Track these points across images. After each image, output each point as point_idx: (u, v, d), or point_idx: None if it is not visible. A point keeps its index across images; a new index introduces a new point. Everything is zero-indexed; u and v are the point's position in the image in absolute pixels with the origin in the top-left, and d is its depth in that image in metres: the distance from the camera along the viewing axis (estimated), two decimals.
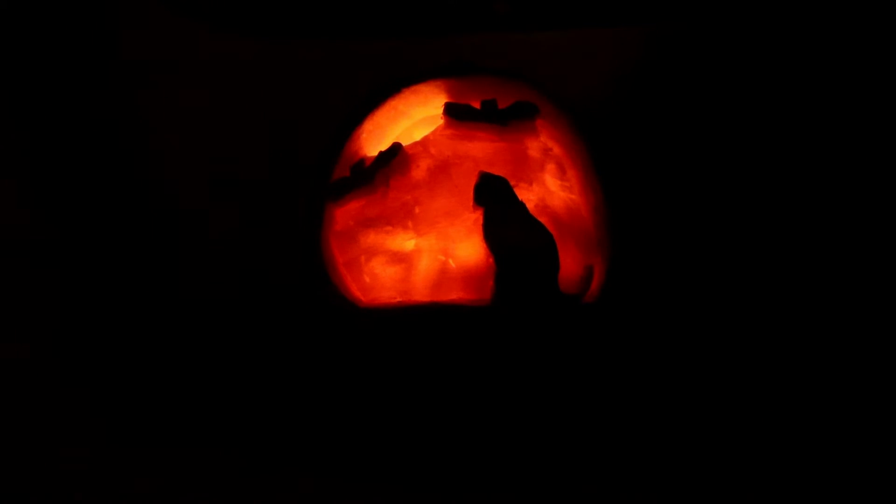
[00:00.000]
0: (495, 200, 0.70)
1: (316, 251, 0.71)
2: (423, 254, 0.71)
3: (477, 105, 0.74)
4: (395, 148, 0.73)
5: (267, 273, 0.91)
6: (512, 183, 0.71)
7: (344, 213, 0.73)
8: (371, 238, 0.72)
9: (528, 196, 0.73)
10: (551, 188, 0.74)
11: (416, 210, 0.72)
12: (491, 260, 0.68)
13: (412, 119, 0.77)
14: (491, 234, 0.69)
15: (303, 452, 0.69)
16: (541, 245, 0.69)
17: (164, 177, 0.93)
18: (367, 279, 0.72)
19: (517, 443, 0.69)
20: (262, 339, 0.88)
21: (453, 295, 0.70)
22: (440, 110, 0.74)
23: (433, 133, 0.74)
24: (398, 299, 0.70)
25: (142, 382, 0.82)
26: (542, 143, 0.75)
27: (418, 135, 0.75)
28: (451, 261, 0.71)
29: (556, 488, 0.63)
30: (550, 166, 0.75)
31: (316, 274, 0.71)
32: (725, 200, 0.88)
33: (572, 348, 0.70)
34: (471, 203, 0.70)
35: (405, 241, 0.72)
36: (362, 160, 0.74)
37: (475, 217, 0.70)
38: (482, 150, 0.74)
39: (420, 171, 0.73)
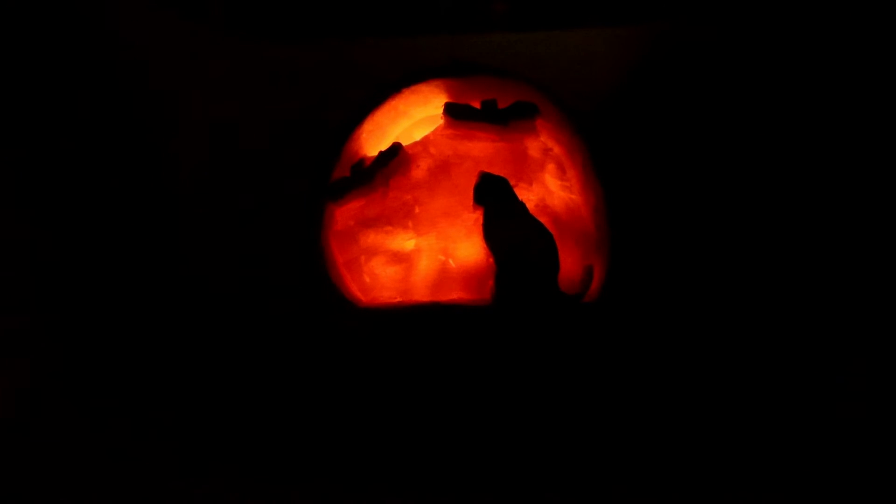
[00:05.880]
0: (495, 200, 0.70)
1: (316, 251, 0.71)
2: (423, 254, 0.71)
3: (477, 105, 0.74)
4: (395, 148, 0.73)
5: (267, 273, 0.91)
6: (512, 183, 0.71)
7: (344, 213, 0.73)
8: (371, 238, 0.72)
9: (528, 196, 0.73)
10: (551, 188, 0.74)
11: (416, 210, 0.72)
12: (491, 260, 0.68)
13: (412, 119, 0.77)
14: (491, 234, 0.69)
15: (302, 452, 0.69)
16: (541, 245, 0.69)
17: (165, 177, 0.94)
18: (367, 279, 0.72)
19: (518, 442, 0.69)
20: (263, 339, 0.88)
21: (453, 295, 0.70)
22: (440, 110, 0.74)
23: (433, 133, 0.74)
24: (398, 299, 0.70)
25: (142, 381, 0.82)
26: (542, 143, 0.75)
27: (418, 135, 0.75)
28: (451, 261, 0.71)
29: (556, 488, 0.63)
30: (550, 166, 0.75)
31: (316, 274, 0.71)
32: (725, 200, 0.88)
33: (572, 348, 0.70)
34: (471, 203, 0.70)
35: (405, 241, 0.72)
36: (362, 160, 0.74)
37: (475, 217, 0.70)
38: (482, 150, 0.74)
39: (420, 170, 0.73)
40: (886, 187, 0.83)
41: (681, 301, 0.86)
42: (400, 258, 0.72)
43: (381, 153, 0.73)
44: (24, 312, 0.86)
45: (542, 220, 0.71)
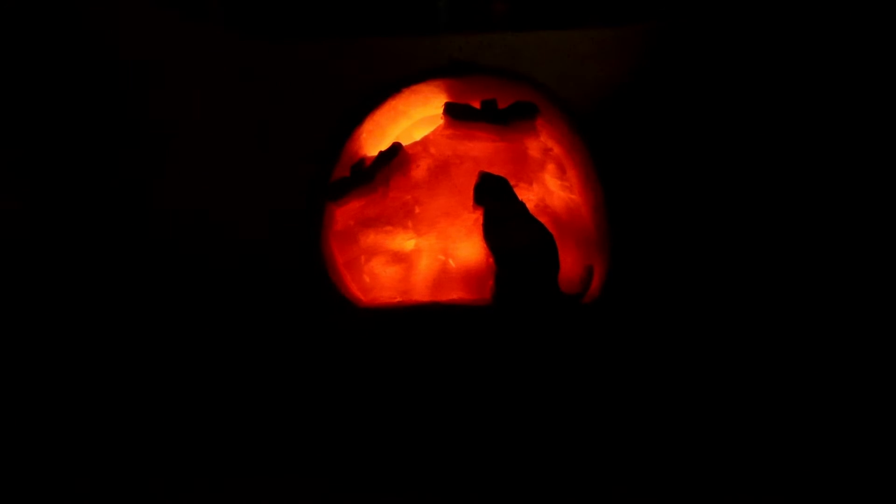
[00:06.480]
0: (495, 200, 0.70)
1: (316, 251, 0.71)
2: (423, 253, 0.71)
3: (477, 105, 0.74)
4: (395, 148, 0.73)
5: (267, 273, 0.91)
6: (512, 183, 0.71)
7: (344, 213, 0.73)
8: (371, 238, 0.72)
9: (528, 196, 0.73)
10: (551, 188, 0.74)
11: (416, 210, 0.72)
12: (491, 260, 0.68)
13: (412, 119, 0.77)
14: (491, 234, 0.69)
15: (302, 452, 0.69)
16: (541, 245, 0.69)
17: (164, 177, 0.93)
18: (367, 279, 0.72)
19: (517, 443, 0.69)
20: (262, 339, 0.88)
21: (453, 295, 0.70)
22: (440, 110, 0.74)
23: (433, 133, 0.74)
24: (398, 299, 0.70)
25: (141, 382, 0.82)
26: (542, 143, 0.75)
27: (418, 135, 0.75)
28: (451, 260, 0.71)
29: (555, 488, 0.63)
30: (550, 166, 0.75)
31: (316, 274, 0.71)
32: (725, 200, 0.88)
33: (572, 348, 0.70)
34: (471, 203, 0.70)
35: (405, 241, 0.72)
36: (362, 160, 0.74)
37: (475, 217, 0.70)
38: (482, 150, 0.74)
39: (420, 170, 0.73)
40: (887, 187, 0.83)
41: (681, 301, 0.86)
42: (400, 258, 0.72)
43: (381, 153, 0.73)
44: (24, 312, 0.86)
45: (542, 220, 0.71)
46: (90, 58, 0.91)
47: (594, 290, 0.70)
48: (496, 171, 0.71)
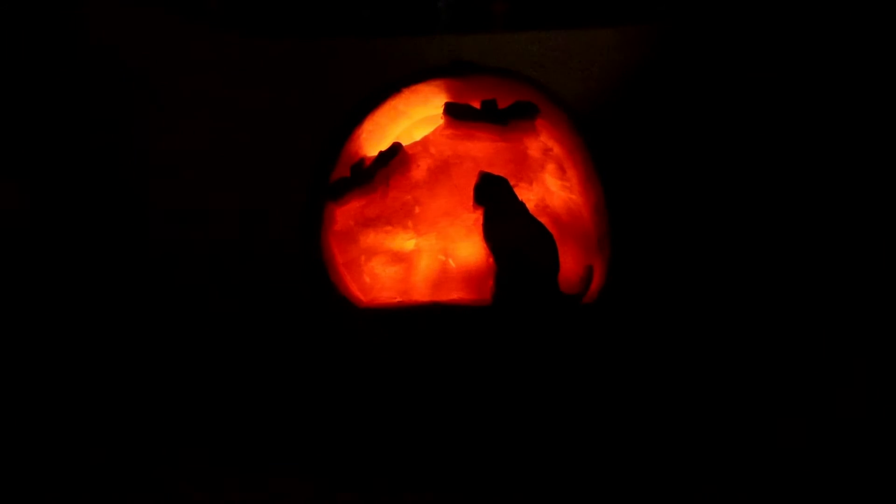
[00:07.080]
0: (495, 200, 0.70)
1: (316, 251, 0.71)
2: (423, 253, 0.71)
3: (477, 105, 0.74)
4: (395, 148, 0.73)
5: (267, 273, 0.91)
6: (512, 183, 0.71)
7: (344, 213, 0.73)
8: (371, 238, 0.72)
9: (528, 196, 0.73)
10: (551, 188, 0.74)
11: (416, 210, 0.72)
12: (491, 260, 0.68)
13: (412, 119, 0.77)
14: (491, 234, 0.69)
15: (303, 452, 0.69)
16: (541, 245, 0.69)
17: (164, 177, 0.94)
18: (367, 279, 0.72)
19: (517, 442, 0.69)
20: (262, 339, 0.88)
21: (453, 295, 0.70)
22: (440, 110, 0.74)
23: (433, 133, 0.74)
24: (398, 299, 0.70)
25: (141, 382, 0.82)
26: (542, 143, 0.75)
27: (418, 135, 0.75)
28: (451, 260, 0.71)
29: (555, 488, 0.63)
30: (550, 166, 0.75)
31: (316, 274, 0.71)
32: (725, 200, 0.88)
33: (572, 348, 0.70)
34: (471, 203, 0.70)
35: (405, 241, 0.72)
36: (362, 160, 0.74)
37: (475, 217, 0.70)
38: (482, 150, 0.74)
39: (420, 170, 0.73)
40: (886, 187, 0.83)
41: (681, 301, 0.86)
42: (400, 258, 0.72)
43: (381, 153, 0.73)
44: (22, 311, 0.86)
45: (542, 220, 0.71)
46: (90, 59, 0.91)
47: (594, 290, 0.70)
48: (496, 171, 0.71)
